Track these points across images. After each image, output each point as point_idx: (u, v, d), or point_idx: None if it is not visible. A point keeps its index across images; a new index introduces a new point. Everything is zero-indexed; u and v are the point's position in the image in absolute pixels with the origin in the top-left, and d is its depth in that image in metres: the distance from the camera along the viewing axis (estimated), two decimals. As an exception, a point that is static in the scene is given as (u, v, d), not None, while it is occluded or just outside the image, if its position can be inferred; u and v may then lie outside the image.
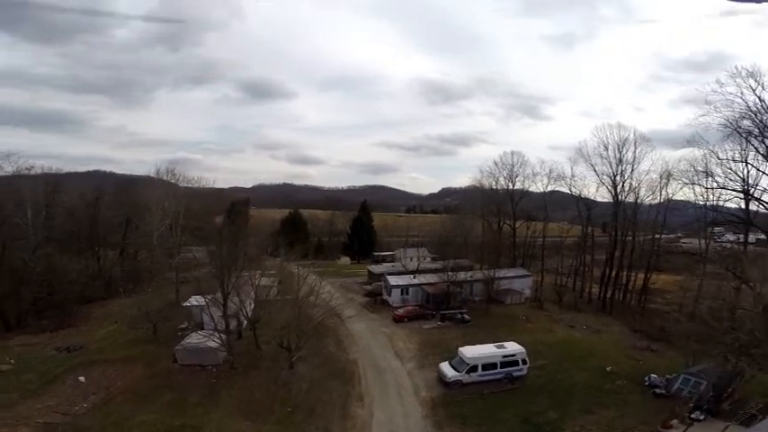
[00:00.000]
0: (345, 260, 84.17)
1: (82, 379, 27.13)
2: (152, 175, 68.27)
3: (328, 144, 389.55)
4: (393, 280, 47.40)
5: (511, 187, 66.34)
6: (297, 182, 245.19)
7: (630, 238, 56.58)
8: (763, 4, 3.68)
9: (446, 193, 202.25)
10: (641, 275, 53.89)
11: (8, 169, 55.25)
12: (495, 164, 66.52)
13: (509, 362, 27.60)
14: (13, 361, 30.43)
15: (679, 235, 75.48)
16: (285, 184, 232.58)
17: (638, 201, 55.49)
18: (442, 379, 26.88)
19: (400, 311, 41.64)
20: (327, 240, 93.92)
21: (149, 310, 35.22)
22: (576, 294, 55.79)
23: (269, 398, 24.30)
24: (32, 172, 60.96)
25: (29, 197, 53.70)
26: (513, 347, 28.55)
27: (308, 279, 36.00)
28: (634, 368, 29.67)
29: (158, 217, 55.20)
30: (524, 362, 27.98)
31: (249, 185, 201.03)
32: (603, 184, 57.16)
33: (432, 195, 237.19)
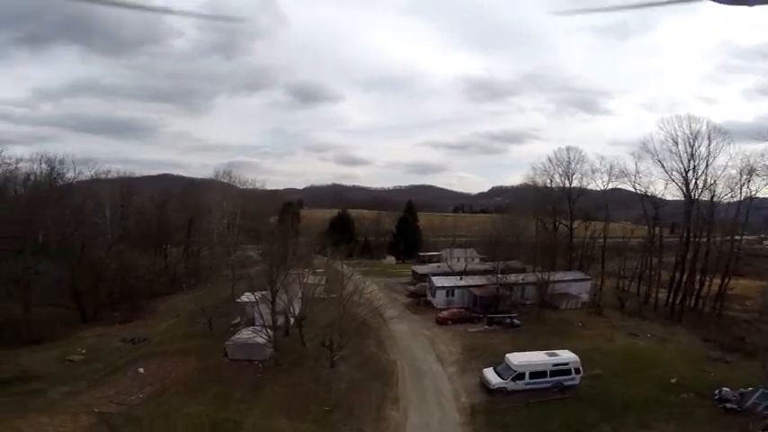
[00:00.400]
0: (390, 260, 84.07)
1: (141, 370, 28.96)
2: (212, 178, 73.20)
3: (374, 145, 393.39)
4: (438, 281, 46.49)
5: (567, 185, 62.65)
6: (345, 182, 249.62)
7: (705, 239, 51.12)
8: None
9: (496, 191, 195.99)
10: (717, 280, 48.52)
11: (88, 174, 61.30)
12: (550, 160, 63.03)
13: (560, 370, 26.05)
14: (84, 351, 33.46)
15: (762, 236, 67.14)
16: (334, 185, 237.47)
17: (715, 199, 50.11)
18: (484, 385, 25.82)
19: (444, 313, 40.69)
20: (374, 240, 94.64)
21: (206, 306, 36.93)
22: (641, 300, 51.42)
23: (309, 396, 24.65)
24: (109, 176, 67.66)
25: (107, 199, 59.57)
26: (566, 356, 27.01)
27: (352, 278, 36.44)
28: (703, 380, 26.91)
29: (217, 217, 58.85)
30: (577, 371, 26.28)
31: (301, 187, 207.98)
32: (673, 180, 52.18)
33: (481, 194, 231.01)
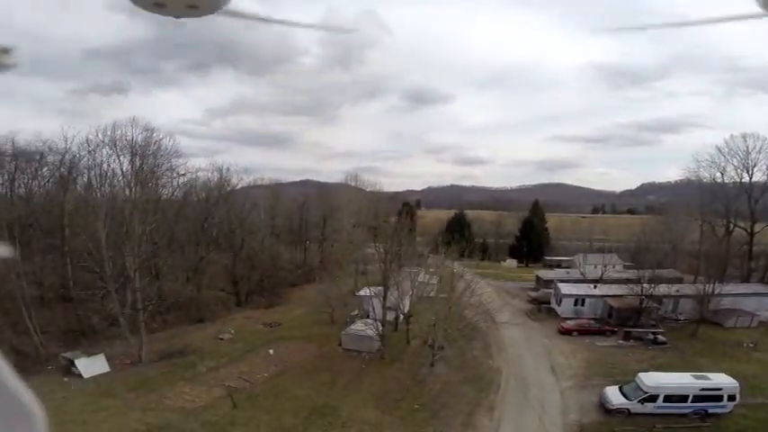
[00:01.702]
0: (511, 263, 79.86)
1: (271, 352, 32.69)
2: (342, 182, 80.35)
3: (492, 143, 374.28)
4: (565, 288, 42.32)
5: (746, 179, 50.71)
6: (464, 183, 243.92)
7: None
8: None
9: (647, 189, 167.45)
10: None
11: (247, 180, 73.14)
12: (720, 150, 51.65)
13: (708, 396, 21.76)
14: (233, 332, 39.56)
15: None
16: (453, 186, 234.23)
17: None
18: (603, 405, 22.67)
19: (569, 323, 36.81)
20: (493, 242, 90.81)
21: (331, 297, 40.20)
22: None
23: (402, 392, 24.94)
24: (263, 182, 79.72)
25: (261, 202, 70.58)
26: (720, 380, 22.54)
27: (464, 279, 35.70)
28: None
29: (345, 217, 64.49)
30: (732, 398, 21.67)
31: (420, 188, 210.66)
32: None
33: (627, 192, 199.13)
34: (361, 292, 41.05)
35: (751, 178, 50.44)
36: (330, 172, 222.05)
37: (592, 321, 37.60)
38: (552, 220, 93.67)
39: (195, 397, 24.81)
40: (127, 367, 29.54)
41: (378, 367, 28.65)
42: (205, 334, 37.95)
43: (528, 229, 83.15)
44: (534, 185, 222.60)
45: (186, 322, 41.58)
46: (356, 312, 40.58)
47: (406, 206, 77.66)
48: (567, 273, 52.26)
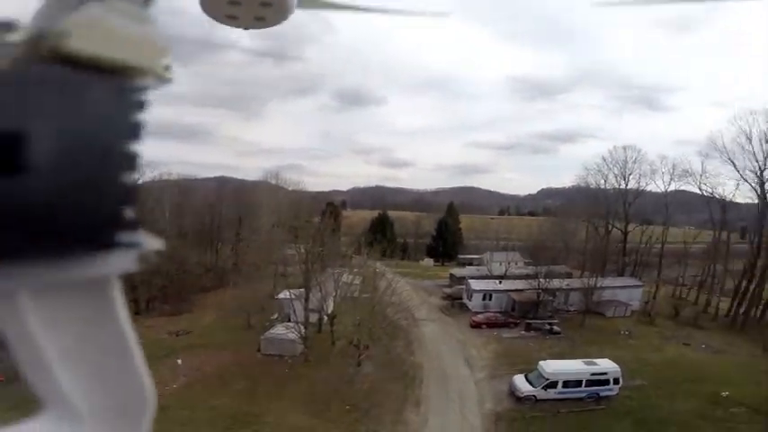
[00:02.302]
0: (428, 262, 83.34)
1: (179, 362, 30.16)
2: (261, 179, 76.77)
3: (418, 147, 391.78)
4: (475, 284, 45.39)
5: (623, 186, 59.11)
6: (389, 184, 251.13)
7: (782, 245, 45.94)
8: None
9: (546, 193, 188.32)
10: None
11: (151, 175, 66.40)
12: (604, 160, 59.66)
13: (597, 380, 24.64)
14: (132, 342, 35.97)
15: None
16: (378, 187, 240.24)
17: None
18: (513, 393, 24.82)
19: (479, 317, 39.64)
20: (413, 242, 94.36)
21: (247, 302, 38.42)
22: (699, 309, 47.15)
23: (331, 394, 24.91)
24: (170, 177, 73.04)
25: (166, 199, 64.48)
26: (605, 365, 25.65)
27: (386, 278, 36.54)
28: (760, 395, 24.02)
29: (264, 217, 61.87)
30: (616, 381, 24.79)
31: (346, 188, 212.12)
32: (746, 181, 47.67)
33: (529, 196, 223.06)
34: (281, 295, 39.87)
35: (627, 185, 58.85)
36: (250, 169, 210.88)
37: (498, 315, 40.57)
38: (465, 221, 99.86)
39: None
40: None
41: (303, 370, 28.19)
42: (95, 347, 33.80)
43: (443, 230, 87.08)
44: (451, 188, 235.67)
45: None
46: (276, 316, 39.41)
47: (330, 206, 76.99)
48: (477, 270, 56.07)
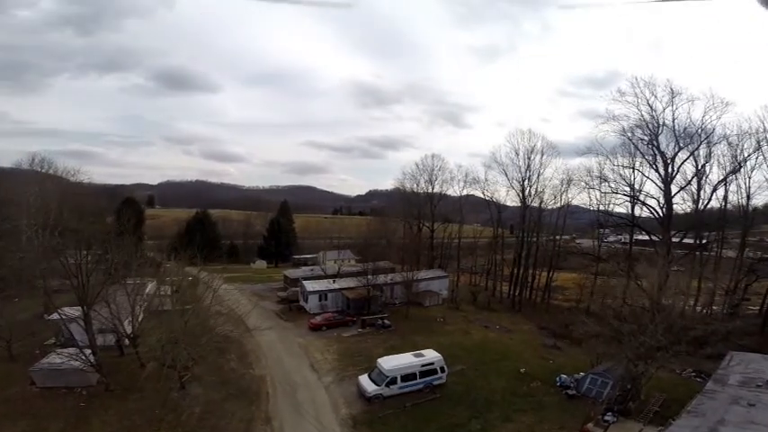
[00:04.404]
0: (261, 264, 79.53)
1: None
2: (24, 167, 57.43)
3: (252, 141, 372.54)
4: (310, 285, 44.91)
5: (430, 190, 67.93)
6: (213, 179, 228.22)
7: (535, 239, 60.79)
8: None
9: (373, 195, 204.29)
10: (545, 274, 58.05)
11: None
12: (417, 166, 67.68)
13: (428, 371, 26.85)
14: None
15: (573, 236, 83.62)
16: (198, 182, 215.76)
17: (543, 205, 59.74)
18: (362, 394, 25.30)
19: (317, 319, 39.51)
20: (242, 243, 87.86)
21: (7, 323, 28.95)
22: (489, 294, 58.32)
23: (153, 424, 20.96)
24: None
25: None
26: (430, 355, 27.79)
27: (211, 286, 32.33)
28: (545, 368, 30.75)
29: (28, 215, 46.71)
30: (443, 369, 27.40)
31: (156, 182, 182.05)
32: (513, 188, 60.61)
33: (359, 197, 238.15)
34: (55, 316, 31.19)
35: (433, 189, 67.89)
36: (15, 153, 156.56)
37: (336, 314, 41.21)
38: (299, 221, 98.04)
39: None
40: None
41: (106, 402, 23.05)
42: None
43: (276, 229, 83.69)
44: (286, 186, 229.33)
45: None
46: (53, 341, 31.14)
47: (130, 203, 63.47)
48: (312, 270, 55.76)
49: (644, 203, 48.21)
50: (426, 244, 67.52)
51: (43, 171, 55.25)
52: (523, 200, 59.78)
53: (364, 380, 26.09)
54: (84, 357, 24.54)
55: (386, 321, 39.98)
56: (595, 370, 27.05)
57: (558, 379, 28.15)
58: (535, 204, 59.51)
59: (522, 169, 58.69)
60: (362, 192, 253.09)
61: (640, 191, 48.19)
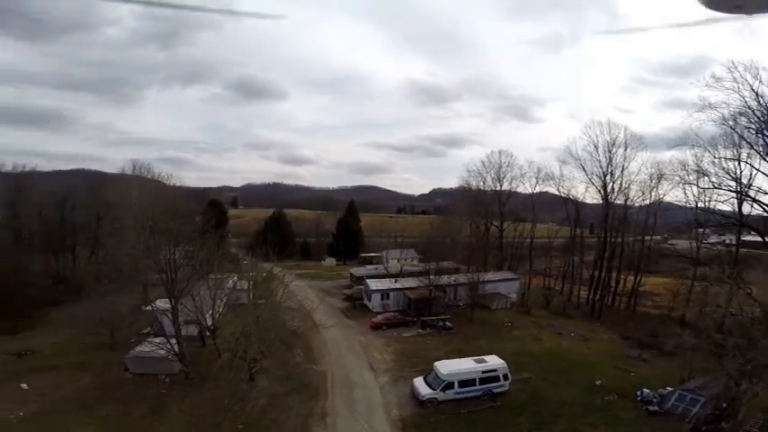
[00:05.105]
0: (330, 261, 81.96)
1: (24, 386, 25.25)
2: (127, 172, 65.52)
3: (319, 144, 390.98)
4: (373, 284, 45.18)
5: (498, 188, 64.81)
6: (288, 182, 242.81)
7: (620, 239, 55.18)
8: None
9: (436, 193, 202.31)
10: (631, 278, 52.46)
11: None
12: (483, 163, 64.89)
13: (489, 377, 25.47)
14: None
15: (666, 236, 74.89)
16: (275, 184, 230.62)
17: (628, 202, 54.15)
18: (415, 396, 24.66)
19: (378, 318, 39.57)
20: (314, 241, 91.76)
21: (110, 314, 32.75)
22: (564, 298, 54.20)
23: (221, 414, 22.14)
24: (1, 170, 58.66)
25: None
26: (493, 362, 26.36)
27: (283, 282, 34.00)
28: (625, 381, 27.83)
29: (132, 216, 52.90)
30: (506, 377, 25.84)
31: (238, 185, 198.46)
32: (593, 184, 55.77)
33: (422, 196, 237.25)
34: (149, 307, 34.66)
35: (501, 187, 64.51)
36: (119, 161, 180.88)
37: (397, 314, 40.96)
38: (365, 219, 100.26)
39: None
40: None
41: (184, 390, 24.82)
42: None
43: (344, 228, 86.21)
44: (352, 187, 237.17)
45: None
46: (148, 330, 34.17)
47: (214, 204, 69.44)
48: (376, 269, 56.29)
49: (755, 200, 41.30)
50: (495, 244, 64.64)
51: (143, 176, 62.66)
52: (605, 197, 54.87)
53: (419, 382, 25.45)
54: (169, 347, 26.78)
55: (447, 323, 38.85)
56: (686, 386, 23.86)
57: (638, 393, 25.18)
58: (619, 201, 54.32)
59: (603, 164, 53.83)
60: (426, 191, 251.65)
61: (749, 186, 41.38)
